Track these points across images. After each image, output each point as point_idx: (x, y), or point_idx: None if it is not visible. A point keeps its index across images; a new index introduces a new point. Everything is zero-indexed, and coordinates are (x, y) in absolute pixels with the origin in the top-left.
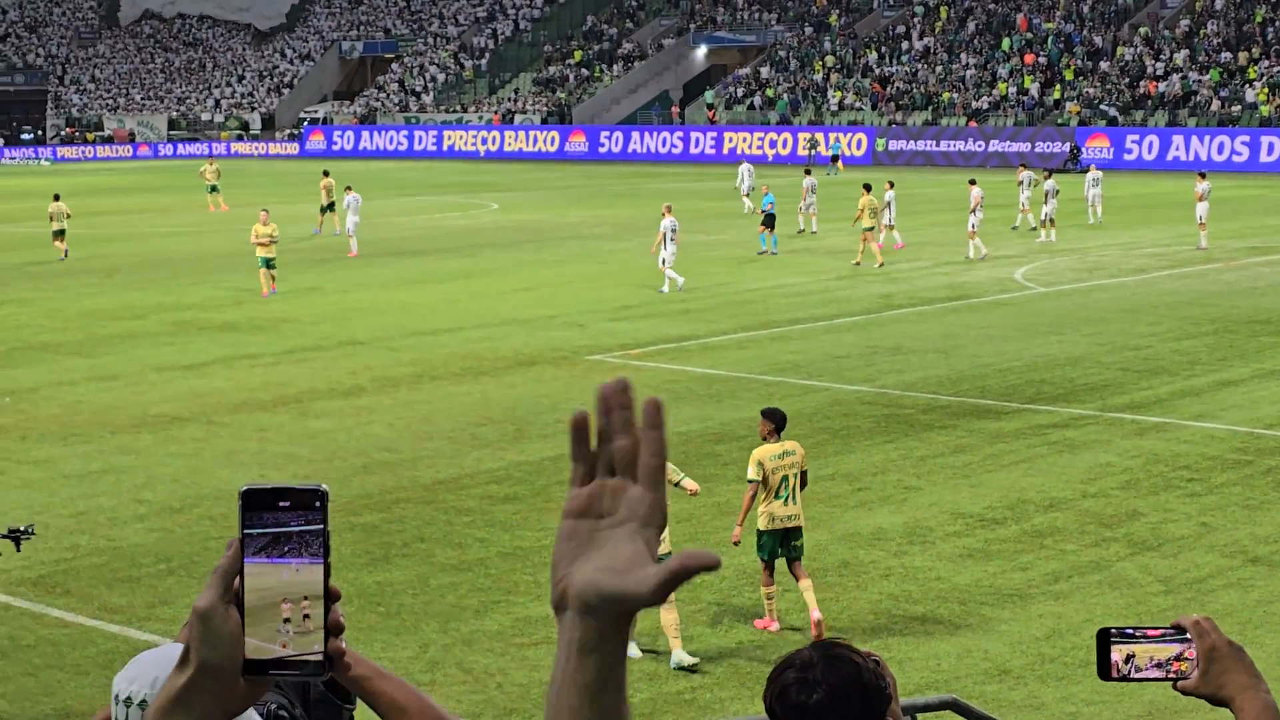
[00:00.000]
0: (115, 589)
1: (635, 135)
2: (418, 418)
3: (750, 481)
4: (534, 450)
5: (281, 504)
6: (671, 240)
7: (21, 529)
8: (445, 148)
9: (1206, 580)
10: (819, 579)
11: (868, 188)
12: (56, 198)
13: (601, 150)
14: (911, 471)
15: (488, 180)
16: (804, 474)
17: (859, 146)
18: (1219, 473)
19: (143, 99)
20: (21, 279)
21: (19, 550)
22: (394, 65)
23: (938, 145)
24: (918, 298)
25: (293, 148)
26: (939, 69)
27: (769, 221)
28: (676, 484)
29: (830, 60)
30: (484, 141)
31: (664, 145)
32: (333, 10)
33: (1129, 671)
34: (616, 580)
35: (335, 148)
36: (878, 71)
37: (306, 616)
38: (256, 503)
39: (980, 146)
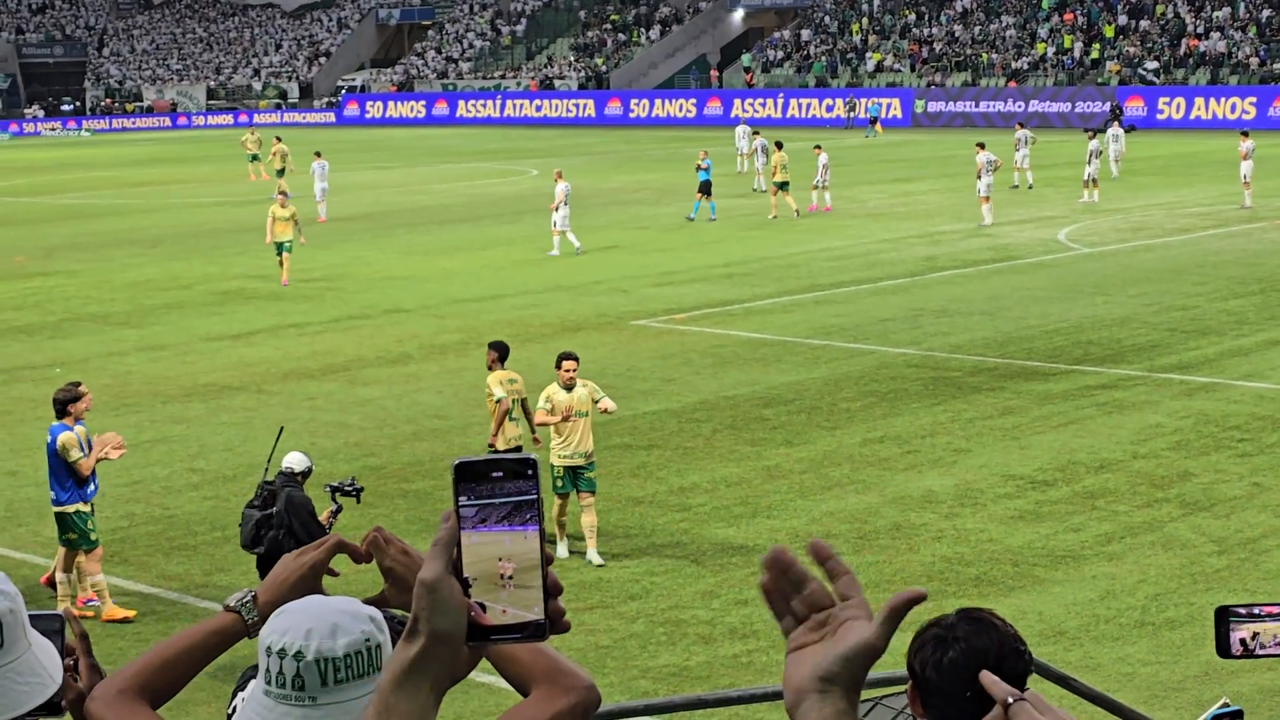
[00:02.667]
0: (172, 557)
1: (673, 100)
2: (465, 385)
3: (499, 400)
4: None
5: (494, 474)
6: (565, 204)
7: (350, 485)
8: (483, 115)
9: (1260, 540)
10: (870, 542)
11: (779, 145)
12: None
13: (639, 115)
14: (960, 434)
15: (527, 146)
16: (525, 401)
17: (897, 109)
18: (1269, 432)
19: (181, 69)
20: (68, 250)
21: (358, 502)
22: (431, 32)
23: (977, 106)
24: (961, 260)
25: (330, 116)
26: (977, 29)
27: (705, 188)
28: (597, 403)
29: (868, 22)
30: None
31: (702, 109)
32: None
33: (1255, 649)
34: (841, 645)
35: (372, 115)
36: (916, 33)
37: (523, 585)
38: (469, 474)
39: (1020, 107)
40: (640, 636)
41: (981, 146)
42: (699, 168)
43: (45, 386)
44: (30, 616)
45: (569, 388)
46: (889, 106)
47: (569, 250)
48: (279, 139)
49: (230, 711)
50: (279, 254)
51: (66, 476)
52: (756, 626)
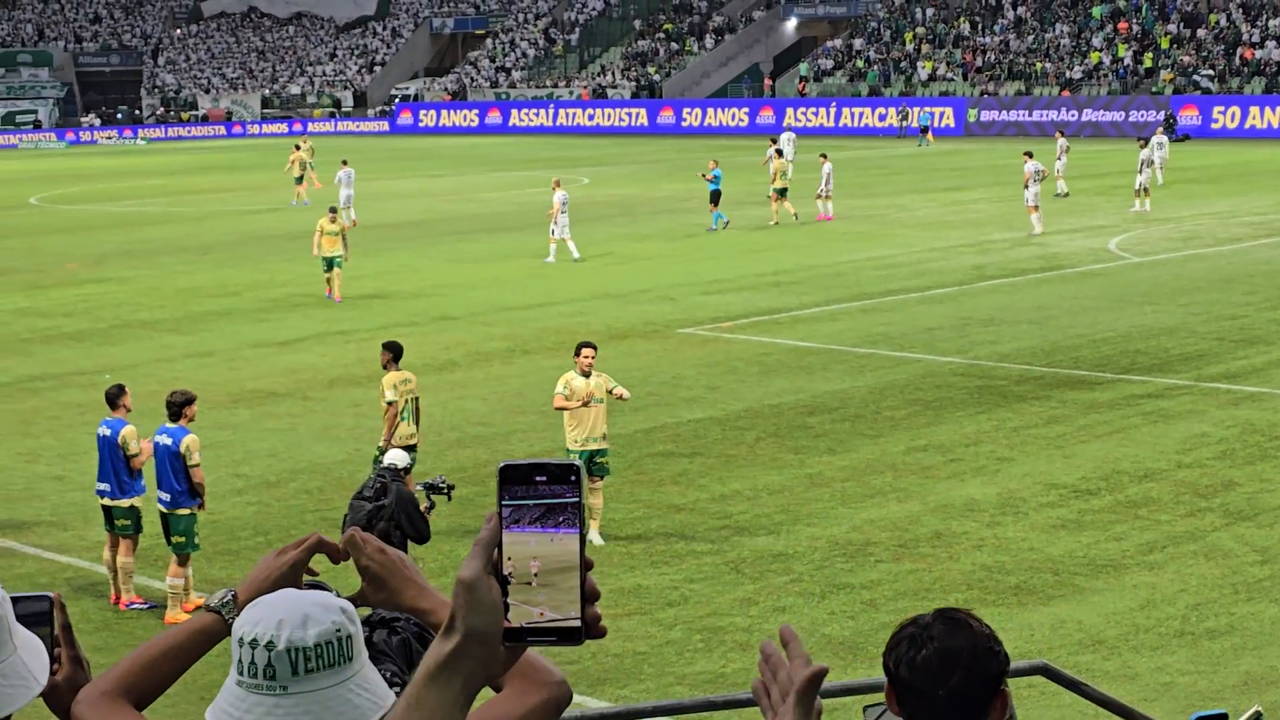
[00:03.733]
0: (215, 561)
1: (725, 109)
2: (510, 392)
3: (390, 402)
4: (625, 423)
5: (538, 478)
6: (563, 213)
7: (442, 483)
8: (536, 123)
9: None
10: (911, 550)
11: (780, 153)
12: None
13: (691, 124)
14: (1005, 442)
15: (579, 155)
16: (417, 400)
17: (949, 118)
18: None
19: (236, 78)
20: (120, 257)
21: (449, 500)
22: (485, 41)
23: (1030, 115)
24: (1010, 269)
25: (383, 124)
26: (1031, 38)
27: (715, 198)
28: (611, 391)
29: (921, 31)
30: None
31: (754, 118)
32: None
33: None
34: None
35: (425, 124)
36: (969, 42)
37: (556, 586)
38: (514, 477)
39: (1073, 116)
40: (677, 643)
41: (1029, 155)
42: (705, 177)
43: (94, 392)
44: (17, 598)
45: (586, 374)
46: (941, 115)
47: (566, 257)
48: (298, 146)
49: None
50: (327, 269)
51: (183, 479)
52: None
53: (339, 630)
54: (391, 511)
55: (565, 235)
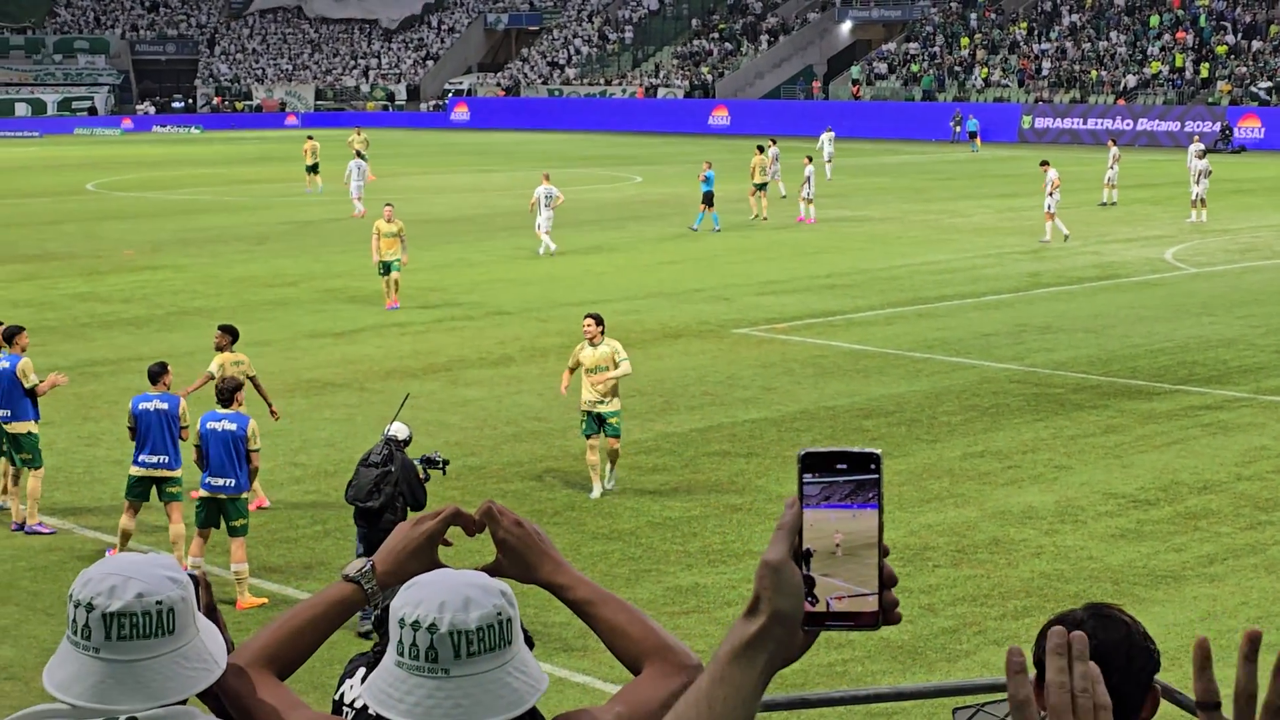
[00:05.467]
0: (273, 549)
1: (778, 109)
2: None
3: (211, 375)
4: (681, 422)
5: (839, 466)
6: (546, 206)
7: (438, 457)
8: (588, 120)
9: None
10: (969, 556)
11: (761, 149)
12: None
13: (744, 124)
14: (1062, 451)
15: (630, 153)
16: (256, 378)
17: (1003, 124)
18: None
19: (290, 69)
20: (177, 245)
21: (444, 474)
22: (539, 38)
23: (1085, 123)
24: (1066, 277)
25: (435, 118)
26: (1087, 45)
27: (708, 199)
28: (618, 365)
29: (977, 36)
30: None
31: (806, 120)
32: None
33: None
34: None
35: (478, 119)
36: (1025, 48)
37: (858, 559)
38: (815, 464)
39: (1129, 125)
40: None
41: (1046, 164)
42: (702, 179)
43: None
44: None
45: (593, 343)
46: (993, 121)
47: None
48: (311, 137)
49: (338, 698)
50: (384, 273)
51: (244, 464)
52: (851, 636)
53: (500, 613)
54: (396, 478)
55: (547, 229)
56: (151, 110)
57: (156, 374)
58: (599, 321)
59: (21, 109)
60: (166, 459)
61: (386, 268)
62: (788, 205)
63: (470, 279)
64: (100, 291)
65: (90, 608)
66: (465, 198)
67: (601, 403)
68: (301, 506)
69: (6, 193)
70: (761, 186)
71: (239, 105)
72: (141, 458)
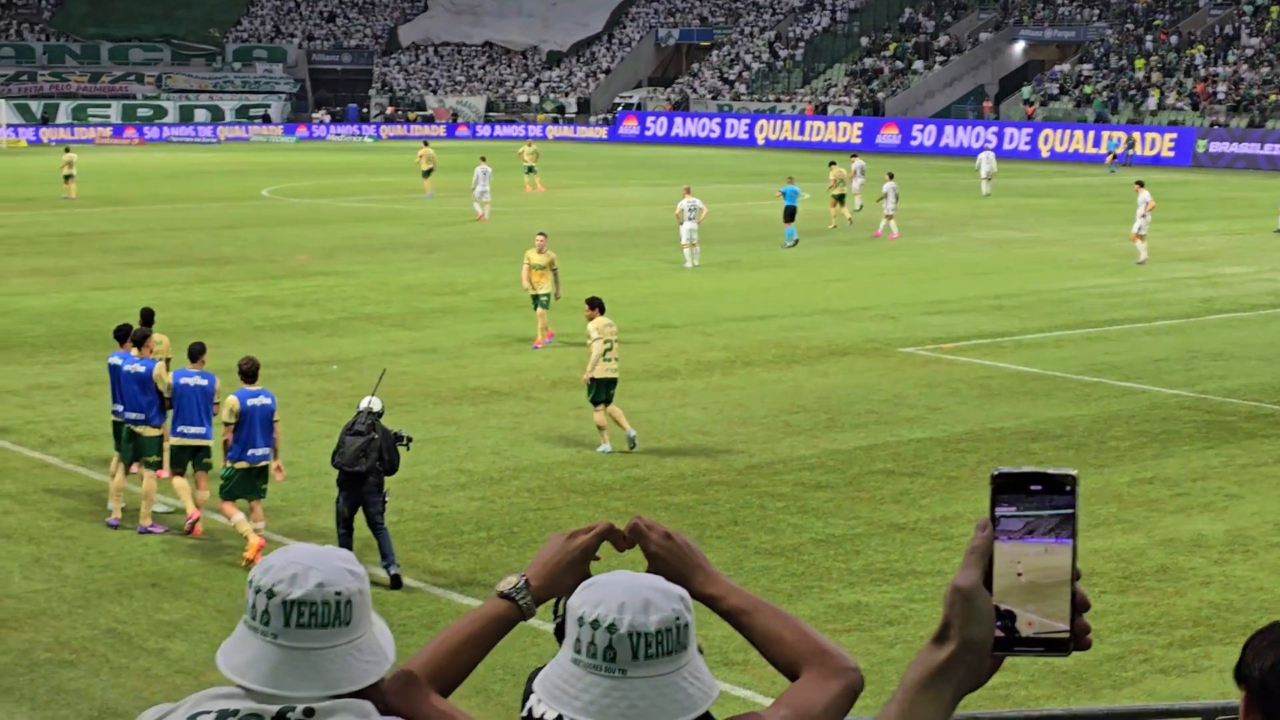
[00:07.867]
0: (439, 554)
1: (948, 129)
2: (731, 403)
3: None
4: (846, 440)
5: (1033, 487)
6: (690, 218)
7: (403, 435)
8: (758, 137)
9: None
10: (1136, 583)
11: (832, 163)
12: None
13: (913, 143)
14: (1234, 479)
15: (799, 170)
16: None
17: (1175, 148)
18: None
19: (463, 80)
20: (349, 251)
21: (407, 450)
22: (709, 53)
23: (1262, 149)
24: (1240, 303)
25: (602, 131)
26: (1265, 69)
27: (789, 215)
28: (612, 350)
29: (1153, 59)
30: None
31: (977, 140)
32: None
33: None
34: None
35: (648, 133)
36: (1202, 71)
37: (1050, 596)
38: (1008, 485)
39: None
40: (897, 662)
41: (1140, 185)
42: (782, 195)
43: (322, 382)
44: None
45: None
46: (1165, 145)
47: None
48: (426, 143)
49: (525, 715)
50: (535, 307)
51: (270, 436)
52: (1018, 662)
53: (679, 618)
54: (380, 445)
55: (692, 241)
56: (326, 118)
57: (197, 353)
58: (592, 305)
59: (201, 115)
60: (203, 430)
61: (535, 301)
62: (864, 219)
63: (637, 292)
64: (273, 295)
65: (271, 594)
66: (633, 210)
67: (615, 372)
68: (467, 513)
69: (185, 197)
70: (839, 198)
71: (411, 115)
72: (181, 428)
